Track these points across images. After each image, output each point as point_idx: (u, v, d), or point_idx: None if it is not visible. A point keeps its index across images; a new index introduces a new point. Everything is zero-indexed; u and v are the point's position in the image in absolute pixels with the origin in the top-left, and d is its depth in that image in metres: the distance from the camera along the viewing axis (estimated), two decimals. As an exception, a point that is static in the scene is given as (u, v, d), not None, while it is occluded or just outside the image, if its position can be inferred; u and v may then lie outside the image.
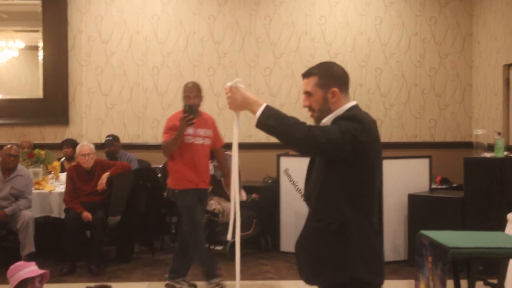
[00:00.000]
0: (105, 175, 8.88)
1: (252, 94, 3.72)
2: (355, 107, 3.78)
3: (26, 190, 8.78)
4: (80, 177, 8.92)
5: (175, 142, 7.54)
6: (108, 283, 6.77)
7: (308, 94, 3.82)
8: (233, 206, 3.92)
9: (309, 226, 3.83)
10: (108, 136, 10.37)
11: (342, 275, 3.66)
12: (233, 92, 3.70)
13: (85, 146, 9.02)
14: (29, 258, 8.03)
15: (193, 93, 7.69)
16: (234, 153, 3.88)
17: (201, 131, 7.73)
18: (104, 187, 8.85)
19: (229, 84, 3.74)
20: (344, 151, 3.58)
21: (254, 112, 3.62)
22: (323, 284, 3.78)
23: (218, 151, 8.14)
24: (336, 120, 3.72)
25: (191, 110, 7.43)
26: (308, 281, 3.87)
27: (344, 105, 3.77)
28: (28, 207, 8.71)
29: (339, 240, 3.66)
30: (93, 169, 8.96)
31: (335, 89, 3.74)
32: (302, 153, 3.75)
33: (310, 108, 3.83)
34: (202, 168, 7.76)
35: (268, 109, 3.59)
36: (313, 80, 3.79)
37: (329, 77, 3.77)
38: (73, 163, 9.61)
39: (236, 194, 3.90)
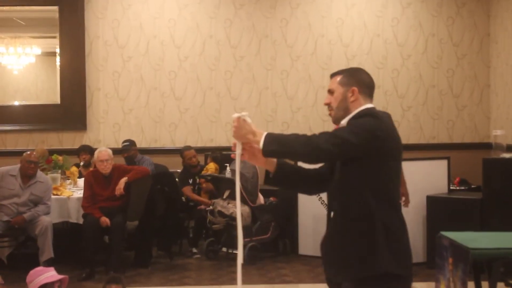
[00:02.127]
0: (123, 180, 8.86)
1: (255, 127, 3.78)
2: (371, 108, 3.84)
3: (45, 196, 8.78)
4: (98, 183, 8.92)
5: None
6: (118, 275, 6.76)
7: (330, 92, 3.93)
8: (239, 220, 4.02)
9: (335, 224, 3.87)
10: (125, 141, 10.39)
11: (370, 268, 3.67)
12: (240, 123, 3.76)
13: (104, 152, 9.01)
14: (48, 264, 8.03)
15: None
16: (237, 180, 3.93)
17: None
18: (122, 192, 8.84)
19: (236, 115, 3.80)
20: (357, 149, 3.64)
21: (257, 143, 3.71)
22: (350, 277, 3.76)
23: None
24: (350, 120, 3.80)
25: None
26: (335, 276, 3.89)
27: (362, 106, 3.83)
28: (46, 213, 8.72)
29: (366, 234, 3.69)
30: (111, 174, 8.95)
31: (355, 88, 3.84)
32: (313, 164, 3.82)
33: (330, 106, 3.93)
34: None
35: (268, 136, 3.68)
36: (337, 78, 3.92)
37: (352, 77, 3.89)
38: (90, 169, 9.63)
39: (238, 205, 3.97)
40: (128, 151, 10.16)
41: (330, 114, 3.96)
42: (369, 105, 3.84)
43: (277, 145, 3.67)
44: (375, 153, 3.67)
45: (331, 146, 3.61)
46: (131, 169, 9.12)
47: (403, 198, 7.69)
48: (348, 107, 3.84)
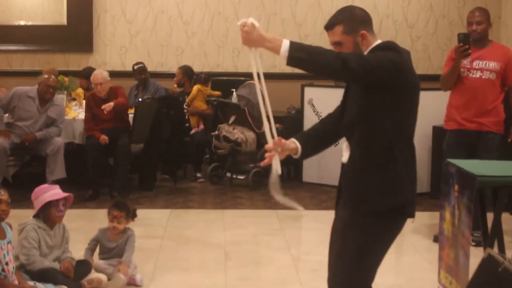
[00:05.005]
0: (111, 104, 8.73)
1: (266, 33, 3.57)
2: (393, 42, 3.73)
3: (59, 118, 8.71)
4: (97, 104, 8.80)
5: (450, 75, 6.97)
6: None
7: (337, 44, 3.72)
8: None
9: (353, 156, 3.74)
10: (139, 63, 10.28)
11: (383, 202, 3.64)
12: (249, 27, 3.50)
13: (98, 75, 8.89)
14: (57, 183, 8.02)
15: (475, 18, 6.93)
16: (257, 88, 3.75)
17: (480, 63, 6.93)
18: (110, 107, 8.70)
19: (244, 20, 3.52)
20: (381, 79, 3.51)
21: (275, 50, 3.47)
22: (372, 208, 3.66)
23: (510, 88, 7.05)
24: (373, 51, 3.66)
25: (466, 40, 6.70)
26: (347, 205, 3.78)
27: (374, 42, 3.71)
28: (58, 135, 8.68)
29: (386, 167, 3.63)
30: (110, 96, 8.85)
31: (364, 32, 3.68)
32: (336, 80, 3.70)
33: None
34: (478, 106, 6.93)
35: (294, 43, 3.46)
36: (338, 29, 3.70)
37: (354, 21, 3.70)
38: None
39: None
40: (144, 72, 10.11)
41: None
42: (380, 41, 3.72)
43: (305, 53, 3.44)
44: (396, 87, 3.56)
45: (360, 69, 3.42)
46: (121, 95, 8.97)
47: None
48: (362, 51, 3.68)
